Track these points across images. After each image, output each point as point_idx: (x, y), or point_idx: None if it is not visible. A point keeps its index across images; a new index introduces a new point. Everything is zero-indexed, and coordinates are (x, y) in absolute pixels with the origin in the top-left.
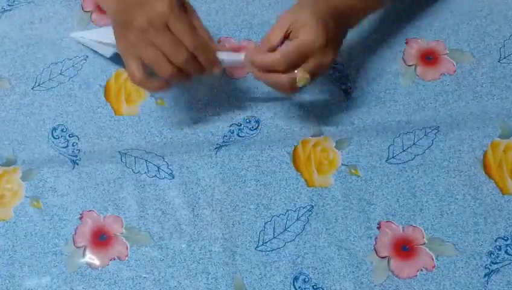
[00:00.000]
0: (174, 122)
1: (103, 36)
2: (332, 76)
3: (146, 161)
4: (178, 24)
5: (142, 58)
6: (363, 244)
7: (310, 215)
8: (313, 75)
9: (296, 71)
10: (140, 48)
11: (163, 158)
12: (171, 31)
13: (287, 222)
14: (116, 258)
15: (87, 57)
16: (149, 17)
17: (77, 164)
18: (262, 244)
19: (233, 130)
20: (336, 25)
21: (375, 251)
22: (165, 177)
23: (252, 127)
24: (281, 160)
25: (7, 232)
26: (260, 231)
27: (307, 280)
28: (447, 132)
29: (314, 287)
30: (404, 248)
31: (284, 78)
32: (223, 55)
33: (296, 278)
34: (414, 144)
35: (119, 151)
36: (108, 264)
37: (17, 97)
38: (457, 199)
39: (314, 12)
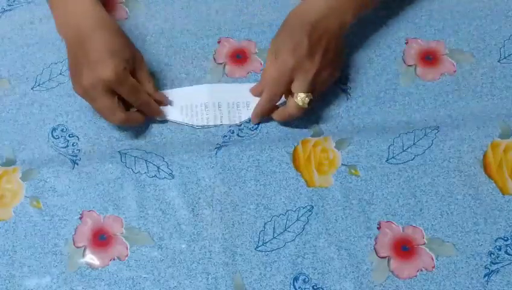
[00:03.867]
0: (174, 122)
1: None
2: None
3: (146, 161)
4: (121, 89)
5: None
6: (363, 245)
7: (310, 215)
8: (312, 90)
9: (294, 97)
10: (87, 100)
11: (163, 158)
12: (112, 93)
13: (287, 222)
14: (116, 258)
15: None
16: (93, 81)
17: (77, 164)
18: (262, 245)
19: (233, 130)
20: (313, 38)
21: (375, 251)
22: (164, 177)
23: (252, 127)
24: (281, 160)
25: (7, 232)
26: (260, 231)
27: (307, 280)
28: (447, 132)
29: (314, 287)
30: (404, 248)
31: (289, 107)
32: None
33: (296, 278)
34: (414, 144)
35: (119, 151)
36: (108, 264)
37: (17, 97)
38: (457, 199)
39: (285, 34)
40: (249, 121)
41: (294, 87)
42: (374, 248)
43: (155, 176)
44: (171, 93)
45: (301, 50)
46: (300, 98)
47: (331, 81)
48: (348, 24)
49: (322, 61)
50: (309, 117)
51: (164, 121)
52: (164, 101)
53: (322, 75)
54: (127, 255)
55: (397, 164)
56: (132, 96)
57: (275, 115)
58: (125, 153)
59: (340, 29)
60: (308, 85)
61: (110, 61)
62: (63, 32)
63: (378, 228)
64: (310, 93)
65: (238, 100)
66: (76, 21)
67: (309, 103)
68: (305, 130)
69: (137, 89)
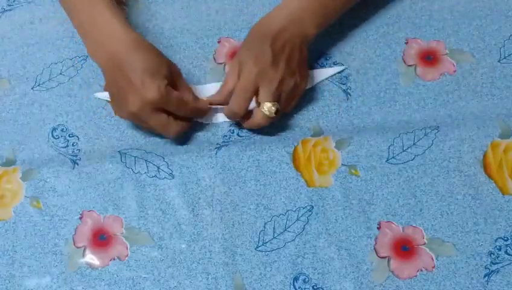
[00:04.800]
0: None
1: None
2: (332, 76)
3: (146, 161)
4: (168, 106)
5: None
6: (363, 245)
7: (310, 215)
8: (278, 99)
9: (261, 107)
10: (136, 122)
11: (163, 158)
12: (161, 110)
13: (287, 222)
14: (116, 258)
15: (87, 57)
16: (140, 106)
17: (77, 164)
18: (262, 245)
19: (233, 130)
20: (276, 47)
21: (375, 251)
22: (165, 177)
23: None
24: (281, 160)
25: (7, 232)
26: (260, 231)
27: (307, 280)
28: (447, 132)
29: (314, 287)
30: (404, 248)
31: (256, 117)
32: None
33: (296, 278)
34: (414, 144)
35: (119, 151)
36: (108, 264)
37: (17, 97)
38: (457, 199)
39: (249, 46)
40: None
41: (260, 96)
42: (374, 248)
43: (155, 176)
44: None
45: (265, 59)
46: (267, 107)
47: (299, 91)
48: (310, 36)
49: (286, 69)
50: (309, 117)
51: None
52: (204, 107)
53: (287, 84)
54: (127, 255)
55: (397, 164)
56: (180, 110)
57: (244, 124)
58: (125, 153)
59: (302, 41)
60: (273, 94)
61: (152, 82)
62: (97, 58)
63: (378, 228)
64: (276, 102)
65: None
66: (110, 46)
67: (276, 112)
68: (305, 130)
69: (183, 101)
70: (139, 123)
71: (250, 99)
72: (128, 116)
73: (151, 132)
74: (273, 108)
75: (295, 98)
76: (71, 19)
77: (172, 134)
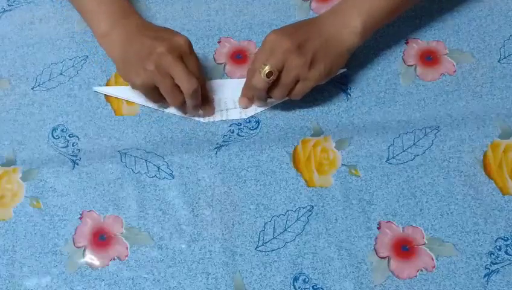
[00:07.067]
0: (174, 122)
1: (127, 94)
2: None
3: (146, 161)
4: (191, 60)
5: (159, 86)
6: (363, 245)
7: (310, 215)
8: (280, 70)
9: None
10: (157, 77)
11: (163, 158)
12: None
13: (287, 222)
14: (116, 258)
15: (87, 57)
16: (170, 46)
17: (77, 164)
18: (262, 245)
19: (233, 130)
20: (304, 24)
21: (375, 251)
22: (165, 177)
23: (252, 127)
24: (281, 160)
25: (7, 232)
26: (260, 231)
27: (307, 280)
28: (447, 132)
29: (314, 287)
30: (404, 248)
31: (254, 78)
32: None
33: (296, 278)
34: (414, 144)
35: (119, 151)
36: (108, 264)
37: (17, 97)
38: (457, 199)
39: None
40: (254, 116)
41: (267, 59)
42: (374, 248)
43: (155, 176)
44: None
45: (285, 29)
46: (263, 69)
47: (304, 78)
48: (354, 28)
49: (300, 45)
50: (309, 117)
51: (172, 115)
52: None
53: (291, 58)
54: (127, 255)
55: (397, 164)
56: (197, 72)
57: (243, 88)
58: (125, 153)
59: (337, 34)
60: (277, 61)
61: (179, 34)
62: (112, 37)
63: (378, 228)
64: (275, 68)
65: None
66: (127, 25)
67: (268, 75)
68: (305, 130)
69: (200, 65)
70: (160, 76)
71: (262, 63)
72: (151, 66)
73: (157, 101)
74: (267, 69)
75: (304, 86)
76: (78, 5)
77: (189, 89)
